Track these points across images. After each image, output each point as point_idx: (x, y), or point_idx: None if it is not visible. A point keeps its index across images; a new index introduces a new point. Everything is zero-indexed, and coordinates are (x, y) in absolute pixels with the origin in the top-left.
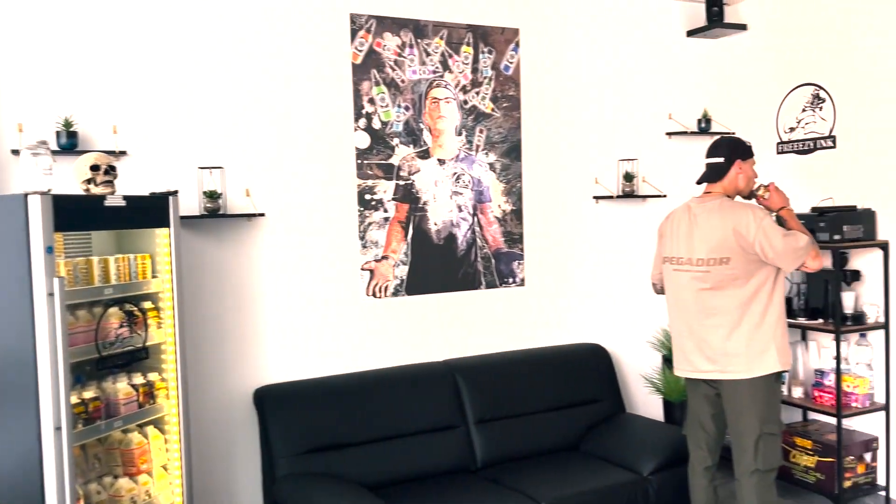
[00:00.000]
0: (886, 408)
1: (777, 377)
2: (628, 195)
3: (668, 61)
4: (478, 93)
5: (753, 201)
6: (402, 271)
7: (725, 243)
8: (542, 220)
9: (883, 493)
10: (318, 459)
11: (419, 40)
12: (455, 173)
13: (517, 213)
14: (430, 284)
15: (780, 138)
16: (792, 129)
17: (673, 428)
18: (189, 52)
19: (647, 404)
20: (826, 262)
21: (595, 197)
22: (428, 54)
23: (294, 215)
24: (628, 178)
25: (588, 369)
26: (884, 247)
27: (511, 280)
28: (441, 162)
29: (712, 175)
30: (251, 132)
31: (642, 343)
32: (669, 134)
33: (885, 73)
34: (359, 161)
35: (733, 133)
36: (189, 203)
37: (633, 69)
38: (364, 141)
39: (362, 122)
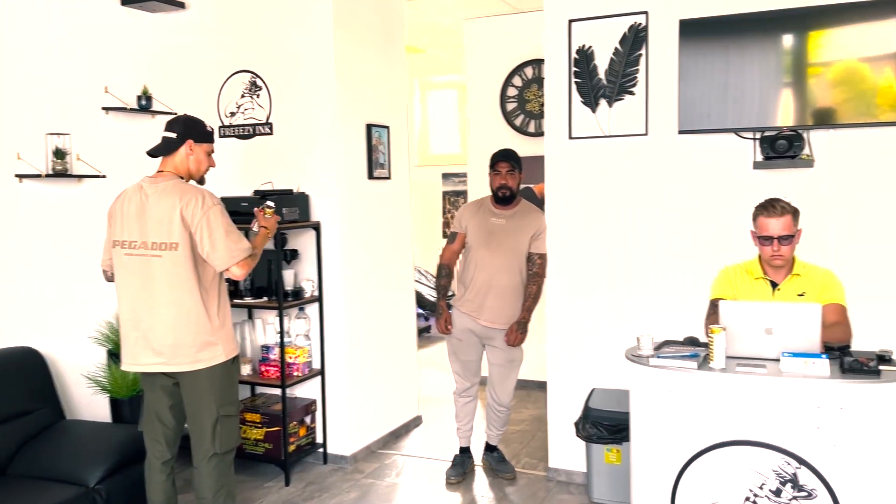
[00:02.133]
0: (322, 373)
1: (234, 360)
2: (60, 174)
3: (103, 30)
4: None
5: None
6: None
7: (174, 227)
8: None
9: (321, 450)
10: None
11: None
12: None
13: None
14: None
15: (223, 122)
16: (233, 114)
17: (123, 428)
18: None
19: (93, 406)
20: (269, 243)
21: (18, 175)
22: None
23: None
24: (60, 154)
25: (16, 378)
26: (316, 227)
27: None
28: None
29: (161, 149)
30: None
31: (83, 339)
32: (106, 109)
33: (310, 67)
34: None
35: (176, 113)
36: None
37: (62, 33)
38: None
39: None
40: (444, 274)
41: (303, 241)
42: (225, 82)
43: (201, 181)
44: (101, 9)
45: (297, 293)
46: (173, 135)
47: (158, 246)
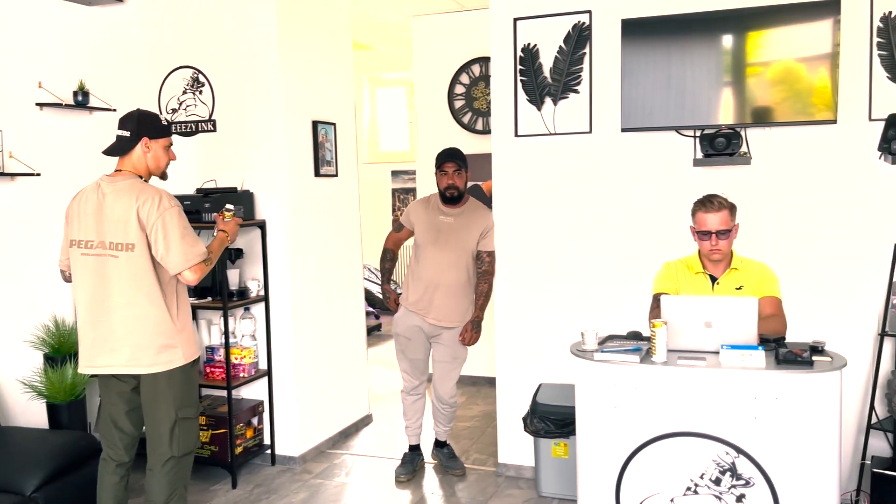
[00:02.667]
0: (269, 373)
1: (193, 363)
2: None
3: (36, 22)
4: None
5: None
6: None
7: (131, 228)
8: None
9: (269, 451)
10: None
11: None
12: None
13: None
14: None
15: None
16: (175, 111)
17: (61, 434)
18: None
19: (29, 412)
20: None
21: None
22: None
23: None
24: None
25: None
26: (262, 226)
27: None
28: None
29: (117, 148)
30: None
31: (18, 343)
32: (41, 105)
33: (254, 63)
34: None
35: (115, 110)
36: None
37: None
38: None
39: None
40: (389, 258)
41: (248, 240)
42: (166, 78)
43: (164, 176)
44: (33, 0)
45: (243, 293)
46: (127, 133)
47: (115, 246)
